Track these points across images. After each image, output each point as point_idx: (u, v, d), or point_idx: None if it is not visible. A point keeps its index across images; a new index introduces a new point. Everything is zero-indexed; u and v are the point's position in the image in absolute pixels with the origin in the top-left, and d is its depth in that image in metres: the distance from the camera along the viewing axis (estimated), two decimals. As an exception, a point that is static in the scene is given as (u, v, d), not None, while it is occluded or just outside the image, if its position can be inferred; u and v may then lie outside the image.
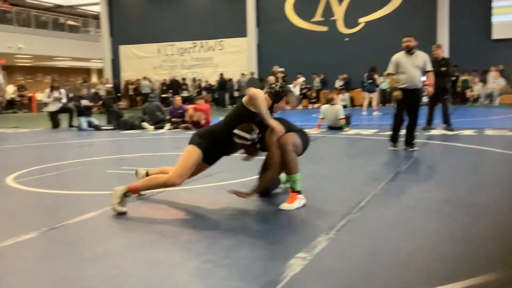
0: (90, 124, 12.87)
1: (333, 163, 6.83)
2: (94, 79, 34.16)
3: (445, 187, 4.86)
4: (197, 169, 4.12)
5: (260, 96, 3.84)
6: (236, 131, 3.87)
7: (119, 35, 26.83)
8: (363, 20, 22.26)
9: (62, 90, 14.09)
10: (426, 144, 7.84)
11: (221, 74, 23.67)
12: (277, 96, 4.02)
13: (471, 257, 2.83)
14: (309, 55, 22.41)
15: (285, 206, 3.90)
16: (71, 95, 20.01)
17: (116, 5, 26.95)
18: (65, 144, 9.83)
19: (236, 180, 5.13)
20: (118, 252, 3.08)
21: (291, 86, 20.46)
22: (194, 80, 24.67)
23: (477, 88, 19.22)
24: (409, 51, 6.98)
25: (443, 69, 9.47)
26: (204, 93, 22.38)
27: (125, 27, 26.56)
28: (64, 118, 13.75)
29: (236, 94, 22.54)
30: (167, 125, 11.98)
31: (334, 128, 10.42)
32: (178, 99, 12.76)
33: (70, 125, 13.52)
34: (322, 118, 10.66)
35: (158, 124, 12.19)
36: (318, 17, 22.90)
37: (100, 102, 19.03)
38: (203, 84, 24.23)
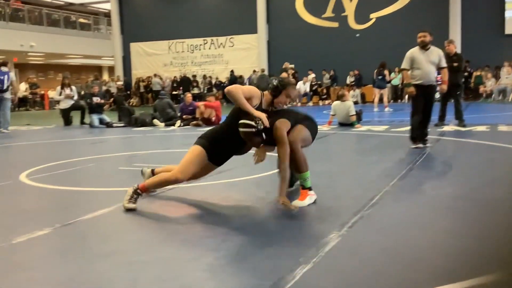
0: (101, 121, 12.94)
1: (345, 159, 6.80)
2: (105, 76, 34.35)
3: (457, 183, 4.83)
4: (204, 170, 4.13)
5: (235, 89, 3.81)
6: (241, 121, 3.82)
7: (129, 32, 26.95)
8: (374, 15, 22.14)
9: (73, 87, 14.18)
10: (439, 140, 7.79)
11: (232, 71, 23.69)
12: (276, 90, 3.95)
13: (485, 254, 2.81)
14: (319, 51, 22.34)
15: (296, 203, 3.89)
16: (82, 92, 20.16)
17: (126, 3, 27.05)
18: (77, 141, 9.90)
19: (248, 177, 5.13)
20: (130, 248, 3.09)
21: (300, 82, 20.44)
22: (204, 77, 24.71)
23: (490, 84, 19.04)
24: (424, 46, 6.85)
25: (455, 64, 9.39)
26: (214, 90, 22.42)
27: (135, 25, 26.66)
28: (76, 116, 13.85)
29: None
30: (178, 122, 12.02)
31: (345, 124, 10.39)
32: (188, 96, 12.78)
33: (82, 122, 13.62)
34: (333, 115, 10.63)
35: (169, 121, 12.23)
36: (328, 13, 22.80)
37: (111, 100, 19.12)
38: (213, 81, 24.26)
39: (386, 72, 15.87)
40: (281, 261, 2.75)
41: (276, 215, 3.80)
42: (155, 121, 12.31)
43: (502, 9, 20.14)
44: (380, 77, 15.38)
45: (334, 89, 21.61)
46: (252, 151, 4.15)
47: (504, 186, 4.60)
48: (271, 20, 23.88)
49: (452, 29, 20.24)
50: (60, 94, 13.81)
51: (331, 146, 8.28)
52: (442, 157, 6.55)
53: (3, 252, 3.04)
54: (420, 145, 6.89)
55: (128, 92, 24.94)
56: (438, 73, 7.18)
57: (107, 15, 29.30)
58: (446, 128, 9.36)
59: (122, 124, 12.82)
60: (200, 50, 25.91)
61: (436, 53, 6.94)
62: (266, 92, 3.99)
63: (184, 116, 12.14)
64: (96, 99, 13.15)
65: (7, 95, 12.05)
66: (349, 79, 21.51)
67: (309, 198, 3.94)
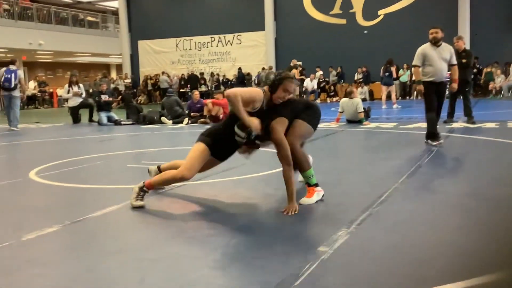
0: (110, 119, 12.99)
1: (353, 156, 6.79)
2: (113, 74, 34.47)
3: (467, 180, 4.80)
4: (208, 164, 4.11)
5: (233, 96, 3.69)
6: (235, 129, 3.83)
7: (137, 30, 27.02)
8: (382, 12, 22.04)
9: (81, 85, 14.25)
10: (448, 137, 7.74)
11: (240, 68, 23.69)
12: (273, 86, 3.86)
13: (494, 252, 2.79)
14: (327, 48, 22.28)
15: (304, 200, 3.89)
16: (91, 90, 20.25)
17: (134, 1, 27.12)
18: (85, 139, 9.94)
19: (256, 174, 5.13)
20: (138, 246, 3.10)
21: (307, 79, 20.41)
22: (212, 74, 24.73)
23: (499, 81, 18.90)
24: (436, 43, 6.75)
25: (464, 61, 9.33)
26: (222, 87, 22.42)
27: (143, 23, 26.72)
28: (84, 113, 13.92)
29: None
30: (186, 120, 12.04)
31: (353, 121, 10.36)
32: (196, 94, 12.80)
33: (90, 120, 13.68)
34: (341, 112, 10.60)
35: (177, 118, 12.25)
36: (336, 9, 22.73)
37: (119, 98, 19.21)
38: (221, 79, 24.27)
39: (393, 68, 15.80)
40: (289, 258, 2.75)
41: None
42: (163, 118, 12.33)
43: (511, 5, 19.97)
44: (387, 73, 15.33)
45: (341, 86, 21.57)
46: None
47: (514, 183, 4.56)
48: (279, 17, 23.84)
49: (461, 25, 20.11)
50: (68, 92, 13.89)
51: (339, 143, 8.27)
52: (451, 154, 6.51)
53: (13, 249, 3.06)
54: (442, 141, 6.78)
55: (135, 90, 25.01)
56: (448, 70, 7.13)
57: (115, 13, 29.39)
58: (455, 125, 9.30)
59: (130, 122, 12.87)
60: (207, 47, 25.93)
61: (447, 50, 6.86)
62: (266, 88, 3.93)
63: (191, 114, 12.16)
64: (104, 97, 13.21)
65: (16, 93, 12.12)
66: (357, 76, 21.44)
67: (317, 194, 3.93)
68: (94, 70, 34.68)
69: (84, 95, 14.10)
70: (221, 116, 11.52)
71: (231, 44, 25.32)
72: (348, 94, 10.56)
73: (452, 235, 3.10)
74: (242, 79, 22.90)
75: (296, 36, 23.14)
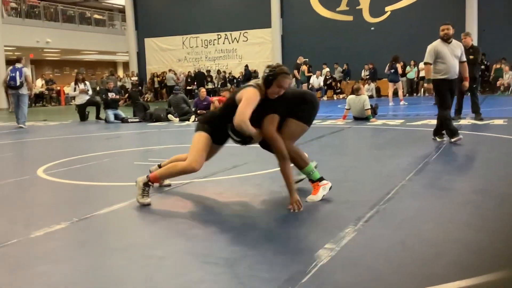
0: (117, 117, 13.03)
1: (360, 154, 6.77)
2: (120, 72, 34.56)
3: (475, 177, 4.78)
4: (211, 151, 4.10)
5: (243, 123, 3.64)
6: (229, 131, 3.84)
7: (144, 28, 27.06)
8: (389, 8, 21.94)
9: (87, 83, 14.30)
10: (455, 134, 7.69)
11: (246, 66, 23.68)
12: (267, 81, 3.76)
13: (502, 249, 2.77)
14: (334, 45, 22.22)
15: (310, 198, 3.88)
16: (98, 88, 20.31)
17: (140, -1, 27.18)
18: (93, 137, 9.98)
19: (262, 171, 5.13)
20: (146, 243, 3.11)
21: (313, 76, 20.37)
22: (218, 72, 24.73)
23: (507, 77, 18.78)
24: (448, 39, 6.65)
25: (471, 57, 9.27)
26: (228, 85, 22.43)
27: (150, 20, 26.76)
28: (92, 111, 13.97)
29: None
30: (193, 117, 12.05)
31: (360, 118, 10.33)
32: (203, 91, 12.80)
33: (97, 118, 13.72)
34: (348, 109, 10.58)
35: (184, 116, 12.26)
36: (343, 6, 22.66)
37: (126, 95, 19.26)
38: (227, 76, 24.28)
39: (398, 65, 15.74)
40: (296, 255, 2.75)
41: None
42: (170, 116, 12.35)
43: (519, 1, 19.84)
44: (392, 70, 15.27)
45: (346, 83, 21.52)
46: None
47: (522, 180, 4.53)
48: (285, 14, 23.79)
49: (468, 22, 19.98)
50: (75, 90, 13.94)
51: (346, 140, 8.25)
52: (458, 151, 6.48)
53: (21, 246, 3.08)
54: (461, 137, 6.67)
55: (140, 87, 25.07)
56: None
57: (122, 11, 29.45)
58: (462, 122, 9.25)
59: (137, 120, 12.90)
60: (214, 45, 25.93)
61: (458, 46, 6.78)
62: (261, 83, 3.83)
63: (198, 111, 12.16)
64: (111, 95, 13.24)
65: (23, 91, 12.17)
66: (364, 73, 21.38)
67: (322, 189, 3.91)
68: (101, 68, 34.79)
69: (90, 92, 14.14)
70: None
71: (238, 42, 25.31)
72: (355, 91, 10.53)
73: (460, 232, 3.08)
74: (249, 77, 22.87)
75: (302, 33, 23.09)
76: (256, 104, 3.72)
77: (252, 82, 3.93)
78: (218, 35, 25.69)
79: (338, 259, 2.65)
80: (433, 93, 7.05)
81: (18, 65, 12.16)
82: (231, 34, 25.35)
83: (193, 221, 3.61)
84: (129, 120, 12.87)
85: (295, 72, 20.23)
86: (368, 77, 20.76)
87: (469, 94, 9.59)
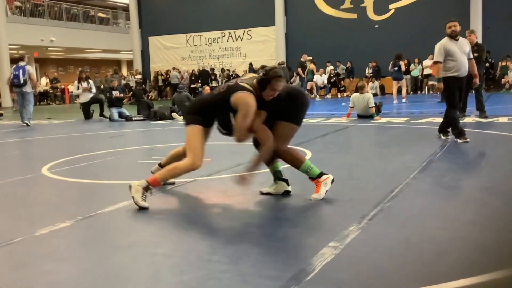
0: (121, 115, 13.06)
1: (364, 152, 6.76)
2: (124, 70, 34.60)
3: (479, 175, 4.76)
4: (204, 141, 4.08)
5: (244, 138, 3.81)
6: (217, 126, 3.91)
7: (148, 26, 27.07)
8: (393, 6, 21.88)
9: (90, 81, 14.33)
10: (459, 132, 7.67)
11: (250, 64, 23.66)
12: (261, 84, 3.77)
13: (508, 247, 2.77)
14: (338, 43, 22.17)
15: (315, 196, 3.88)
16: (102, 86, 20.34)
17: (144, -3, 27.19)
18: (97, 135, 10.00)
19: (265, 170, 5.11)
20: (150, 240, 3.12)
21: (317, 74, 20.33)
22: (222, 70, 24.73)
23: (512, 75, 18.73)
24: (455, 36, 6.57)
25: (476, 55, 9.23)
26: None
27: (153, 18, 26.77)
28: (96, 109, 13.99)
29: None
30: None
31: (364, 116, 10.31)
32: (207, 89, 12.82)
33: (101, 115, 13.74)
34: (352, 107, 10.56)
35: (188, 114, 12.24)
36: (347, 4, 22.60)
37: (130, 93, 19.28)
38: (231, 74, 24.28)
39: (402, 63, 15.70)
40: (300, 253, 2.75)
41: (296, 208, 3.80)
42: (174, 114, 12.37)
43: (525, -2, 19.75)
44: (395, 68, 15.24)
45: (350, 81, 21.49)
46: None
47: (527, 178, 4.52)
48: (289, 12, 23.75)
49: (473, 19, 19.89)
50: (78, 89, 13.98)
51: (350, 139, 8.24)
52: (463, 149, 6.46)
53: (26, 244, 3.09)
54: (468, 140, 6.56)
55: (144, 86, 25.10)
56: None
57: (126, 9, 29.47)
58: (467, 120, 9.22)
59: (141, 118, 12.92)
60: (218, 43, 25.92)
61: (466, 43, 6.72)
62: (255, 83, 3.81)
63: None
64: (115, 93, 13.26)
65: (27, 89, 12.20)
66: (368, 71, 21.34)
67: (323, 185, 3.89)
68: (105, 66, 34.83)
69: (94, 90, 14.16)
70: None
71: (242, 40, 25.29)
72: (359, 89, 10.51)
73: (464, 230, 3.08)
74: (253, 75, 22.84)
75: (306, 31, 23.06)
76: (253, 113, 3.72)
77: (248, 81, 3.87)
78: (222, 33, 25.67)
79: (342, 257, 2.65)
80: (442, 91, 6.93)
81: (21, 63, 12.19)
82: (235, 32, 25.33)
83: (197, 219, 3.62)
84: (133, 118, 12.89)
85: (299, 70, 20.21)
86: (371, 75, 20.72)
87: (473, 91, 9.54)
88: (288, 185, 4.06)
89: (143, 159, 6.46)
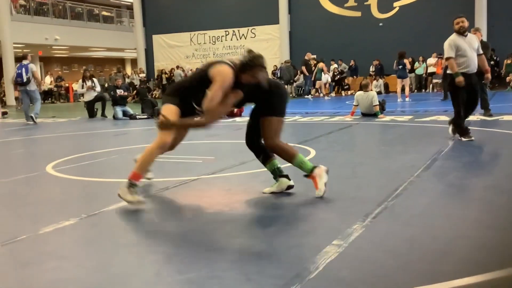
0: (125, 114, 13.07)
1: (368, 150, 6.74)
2: (128, 68, 34.65)
3: (484, 173, 4.74)
4: (180, 132, 4.08)
5: (213, 109, 3.68)
6: (193, 102, 3.85)
7: (151, 25, 27.08)
8: (397, 4, 21.81)
9: (95, 79, 14.35)
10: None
11: (255, 62, 23.61)
12: (242, 68, 3.76)
13: (513, 246, 2.76)
14: (342, 41, 22.13)
15: (317, 194, 3.86)
16: (106, 85, 20.37)
17: (148, -5, 27.20)
18: (101, 133, 10.01)
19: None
20: (154, 238, 3.12)
21: (327, 74, 20.31)
22: (226, 68, 24.72)
23: (517, 73, 18.63)
24: (464, 32, 6.50)
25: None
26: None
27: (157, 17, 26.77)
28: (100, 108, 14.01)
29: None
30: (201, 114, 12.04)
31: (368, 115, 10.29)
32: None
33: (102, 115, 13.74)
34: (356, 105, 10.54)
35: (192, 112, 12.25)
36: (351, 2, 22.54)
37: (135, 92, 19.31)
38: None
39: (406, 61, 15.66)
40: (304, 251, 2.74)
41: (300, 206, 3.79)
42: (178, 112, 12.35)
43: (530, -5, 19.65)
44: (400, 66, 15.20)
45: (353, 79, 21.44)
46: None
47: (532, 177, 4.49)
48: (293, 10, 23.71)
49: (478, 17, 19.81)
50: (83, 87, 14.01)
51: (354, 137, 8.22)
52: (467, 147, 6.43)
53: (30, 242, 3.10)
54: (473, 139, 6.48)
55: (147, 84, 25.12)
56: None
57: (130, 7, 29.50)
58: (472, 118, 9.16)
59: (145, 116, 12.93)
60: (221, 41, 25.91)
61: (475, 39, 6.66)
62: (237, 65, 3.80)
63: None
64: (119, 92, 13.28)
65: (31, 87, 12.24)
66: (371, 69, 21.29)
67: (319, 179, 3.84)
68: (109, 65, 34.89)
69: (98, 89, 14.18)
70: (235, 110, 11.52)
71: (245, 38, 25.27)
72: (364, 87, 10.48)
73: (469, 229, 3.07)
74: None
75: (310, 29, 23.01)
76: (228, 86, 3.68)
77: (227, 59, 3.86)
78: (226, 31, 25.66)
79: (345, 255, 2.64)
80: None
81: (24, 62, 12.24)
82: (238, 30, 25.32)
83: (201, 217, 3.62)
84: (137, 116, 12.90)
85: (303, 68, 20.18)
86: (374, 73, 20.68)
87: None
88: (289, 179, 4.05)
89: (147, 158, 6.46)
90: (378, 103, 10.24)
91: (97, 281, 2.48)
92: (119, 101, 13.20)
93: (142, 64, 27.39)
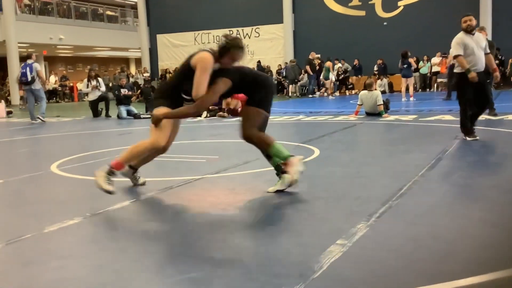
0: (129, 113, 13.09)
1: (372, 149, 6.73)
2: (132, 68, 34.71)
3: (489, 173, 4.73)
4: (175, 126, 4.18)
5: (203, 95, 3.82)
6: (182, 94, 3.97)
7: (156, 24, 27.13)
8: (402, 3, 21.77)
9: (99, 79, 14.38)
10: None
11: (258, 62, 23.63)
12: (220, 52, 3.85)
13: (518, 245, 2.75)
14: (346, 40, 22.10)
15: (285, 178, 3.90)
16: (111, 84, 20.41)
17: (152, -5, 27.24)
18: (105, 133, 10.04)
19: (271, 168, 5.10)
20: (158, 237, 3.12)
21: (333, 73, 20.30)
22: (230, 68, 24.73)
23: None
24: (471, 31, 6.45)
25: (486, 52, 9.15)
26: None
27: (162, 16, 26.82)
28: (104, 107, 14.04)
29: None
30: (204, 113, 12.06)
31: (373, 114, 10.27)
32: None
33: (106, 115, 13.75)
34: (360, 104, 10.52)
35: (195, 112, 12.26)
36: (355, 1, 22.52)
37: (139, 91, 19.34)
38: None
39: (411, 60, 15.62)
40: (308, 251, 2.74)
41: (304, 205, 3.79)
42: (182, 112, 12.36)
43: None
44: (405, 66, 15.17)
45: (357, 79, 21.41)
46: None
47: (537, 176, 4.48)
48: (297, 10, 23.70)
49: (483, 16, 19.74)
50: (87, 87, 14.04)
51: (358, 136, 8.21)
52: (472, 146, 6.41)
53: (35, 241, 3.11)
54: (478, 138, 6.45)
55: (151, 84, 25.16)
56: None
57: (134, 7, 29.56)
58: (476, 117, 9.15)
59: (149, 116, 12.92)
60: (225, 41, 25.90)
61: (482, 38, 6.63)
62: (216, 50, 3.90)
63: (210, 107, 12.17)
64: (124, 91, 13.31)
65: (36, 86, 12.28)
66: (375, 68, 21.27)
67: (291, 167, 3.87)
68: (113, 64, 34.95)
69: (103, 89, 14.21)
70: (239, 109, 11.50)
71: (249, 37, 25.27)
72: (368, 87, 10.47)
73: (473, 228, 3.06)
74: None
75: (314, 28, 22.99)
76: (211, 70, 3.81)
77: (206, 48, 3.98)
78: (230, 31, 25.57)
79: (350, 255, 2.64)
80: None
81: (29, 61, 12.28)
82: (243, 29, 25.31)
83: (204, 216, 3.62)
84: (142, 116, 12.92)
85: (307, 67, 20.16)
86: (377, 72, 20.64)
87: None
88: None
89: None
90: (382, 103, 10.22)
91: (101, 280, 2.49)
92: (123, 101, 13.22)
93: (146, 63, 27.44)
